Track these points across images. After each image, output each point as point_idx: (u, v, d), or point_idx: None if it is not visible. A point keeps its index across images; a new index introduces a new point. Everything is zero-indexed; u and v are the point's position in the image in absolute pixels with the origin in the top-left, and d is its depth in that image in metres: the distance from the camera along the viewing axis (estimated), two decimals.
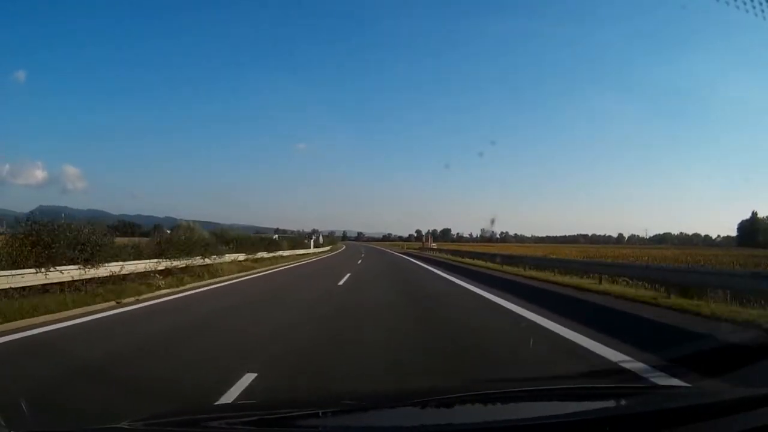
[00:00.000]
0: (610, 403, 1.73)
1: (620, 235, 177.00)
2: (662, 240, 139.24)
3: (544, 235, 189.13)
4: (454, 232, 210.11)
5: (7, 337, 5.63)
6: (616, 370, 4.16)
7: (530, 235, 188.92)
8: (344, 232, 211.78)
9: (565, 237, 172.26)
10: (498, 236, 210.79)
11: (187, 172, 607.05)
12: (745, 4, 4.49)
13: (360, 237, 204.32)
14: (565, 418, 1.47)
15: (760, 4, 4.48)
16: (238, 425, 1.55)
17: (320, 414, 1.68)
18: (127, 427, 1.43)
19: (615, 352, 4.79)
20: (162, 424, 1.58)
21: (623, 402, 1.71)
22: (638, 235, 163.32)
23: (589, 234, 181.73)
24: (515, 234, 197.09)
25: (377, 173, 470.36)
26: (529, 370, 4.33)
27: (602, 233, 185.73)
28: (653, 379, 3.82)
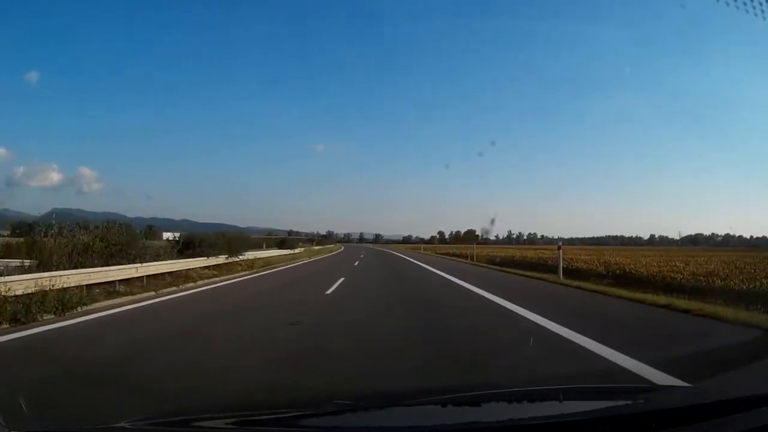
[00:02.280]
0: (610, 403, 1.77)
1: (652, 236, 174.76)
2: (694, 241, 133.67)
3: (571, 236, 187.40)
4: (478, 233, 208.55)
5: None
6: (616, 370, 4.21)
7: (556, 237, 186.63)
8: (361, 233, 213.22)
9: (592, 239, 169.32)
10: (525, 237, 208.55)
11: (205, 175, 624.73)
12: (745, 4, 4.68)
13: (378, 239, 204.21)
14: (565, 418, 1.52)
15: (760, 4, 4.66)
16: (238, 425, 1.62)
17: (320, 414, 1.79)
18: (127, 426, 1.47)
19: None
20: (162, 424, 1.66)
21: (623, 402, 1.75)
22: (668, 237, 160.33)
23: (617, 235, 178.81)
24: (542, 236, 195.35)
25: (396, 174, 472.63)
26: (529, 370, 4.38)
27: (632, 234, 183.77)
28: (653, 379, 3.87)
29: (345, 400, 2.22)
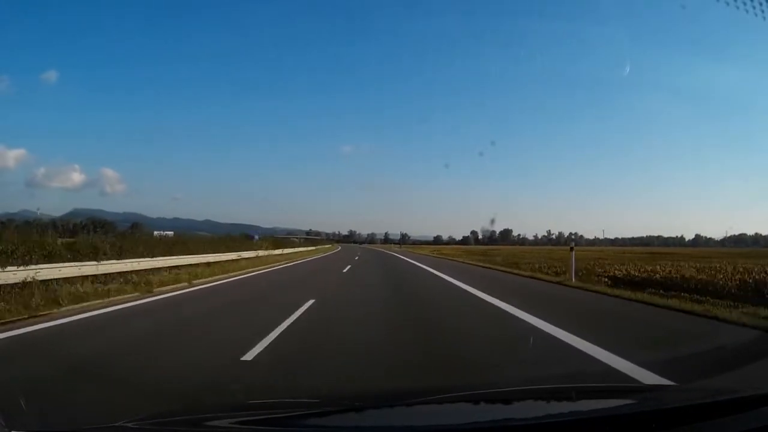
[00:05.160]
0: (611, 403, 1.83)
1: (697, 236, 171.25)
2: (739, 241, 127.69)
3: (615, 236, 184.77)
4: (515, 233, 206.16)
5: None
6: (616, 370, 4.28)
7: (593, 237, 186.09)
8: (386, 233, 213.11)
9: (633, 239, 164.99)
10: (566, 238, 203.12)
11: (228, 176, 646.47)
12: (745, 4, 4.88)
13: (405, 240, 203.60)
14: (566, 418, 1.59)
15: (760, 4, 4.85)
16: (238, 425, 1.71)
17: (320, 414, 1.88)
18: (128, 426, 1.54)
19: None
20: (162, 424, 1.76)
21: (623, 402, 1.80)
22: (714, 238, 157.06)
23: (658, 235, 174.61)
24: (579, 235, 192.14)
25: (425, 173, 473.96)
26: (529, 370, 4.50)
27: (676, 235, 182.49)
28: (653, 379, 3.94)
29: (345, 400, 2.32)
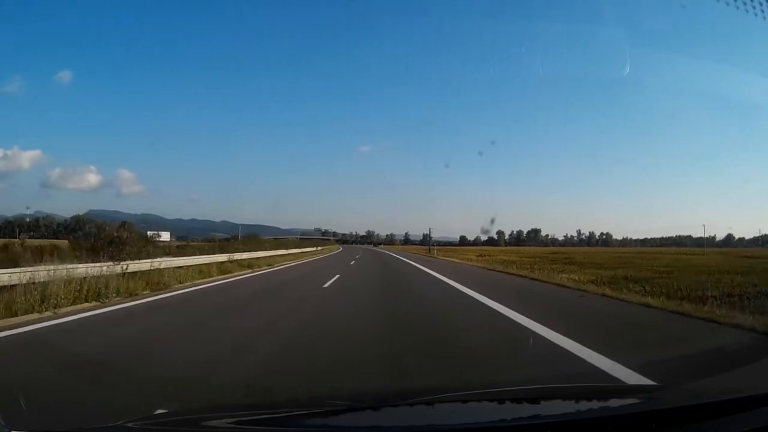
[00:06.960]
0: (610, 403, 1.85)
1: (729, 236, 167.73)
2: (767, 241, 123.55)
3: (642, 237, 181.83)
4: (544, 233, 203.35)
5: None
6: (614, 370, 4.31)
7: (621, 238, 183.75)
8: (406, 233, 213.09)
9: (663, 239, 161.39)
10: (597, 238, 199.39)
11: (246, 177, 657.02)
12: (745, 4, 5.01)
13: (426, 241, 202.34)
14: (565, 418, 1.62)
15: (760, 4, 4.95)
16: (238, 425, 1.78)
17: (320, 414, 1.93)
18: (128, 425, 1.60)
19: None
20: (162, 424, 1.85)
21: (623, 402, 1.82)
22: (739, 237, 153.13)
23: (687, 235, 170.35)
24: (606, 234, 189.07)
25: (446, 173, 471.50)
26: (528, 370, 4.56)
27: (708, 235, 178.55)
28: (652, 379, 3.92)
29: (344, 400, 2.38)
